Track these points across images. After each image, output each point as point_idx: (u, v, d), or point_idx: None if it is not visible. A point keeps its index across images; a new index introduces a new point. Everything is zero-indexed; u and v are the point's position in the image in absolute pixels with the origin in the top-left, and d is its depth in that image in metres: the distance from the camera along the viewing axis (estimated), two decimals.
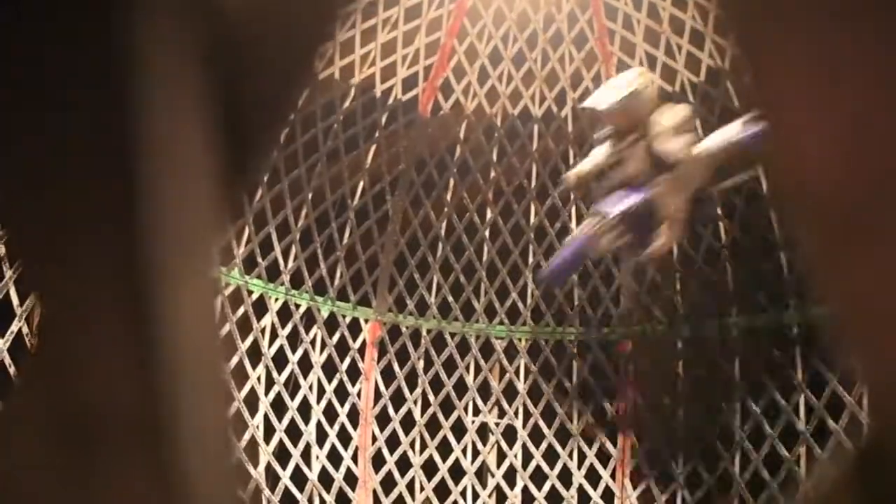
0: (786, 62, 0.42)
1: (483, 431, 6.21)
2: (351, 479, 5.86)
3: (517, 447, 6.15)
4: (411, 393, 6.14)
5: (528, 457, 6.14)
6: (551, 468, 6.06)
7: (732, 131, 4.48)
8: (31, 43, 0.41)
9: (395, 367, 6.18)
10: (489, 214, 6.59)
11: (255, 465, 5.51)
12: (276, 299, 5.86)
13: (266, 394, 5.68)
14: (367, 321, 6.17)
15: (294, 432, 5.74)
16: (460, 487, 6.02)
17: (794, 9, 0.44)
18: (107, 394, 0.41)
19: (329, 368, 5.97)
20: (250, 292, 5.77)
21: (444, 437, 6.11)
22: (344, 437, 5.92)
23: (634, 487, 5.93)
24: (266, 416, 5.65)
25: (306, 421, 5.80)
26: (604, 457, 6.05)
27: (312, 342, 5.94)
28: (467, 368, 6.28)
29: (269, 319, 5.80)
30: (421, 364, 6.23)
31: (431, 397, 6.18)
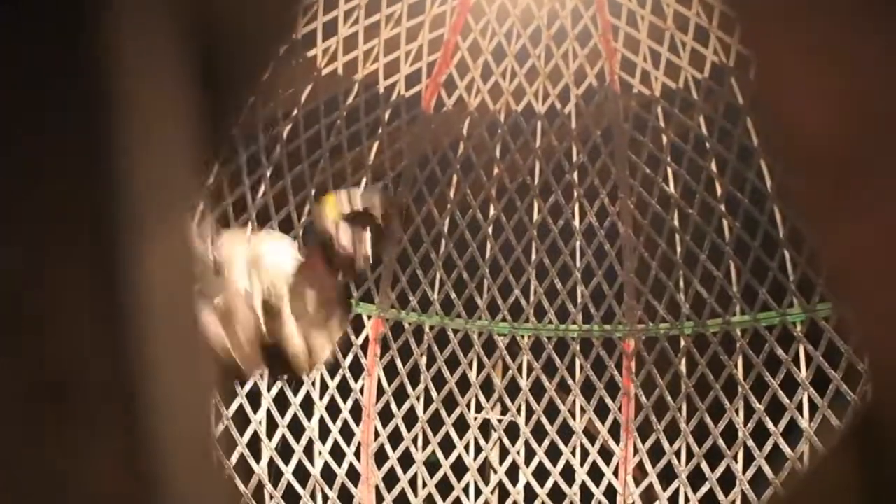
0: (780, 17, 0.42)
1: (485, 428, 6.21)
2: (353, 474, 5.87)
3: (520, 444, 6.15)
4: (414, 389, 6.14)
5: (530, 454, 6.14)
6: (554, 465, 6.06)
7: None
8: None
9: (398, 363, 6.18)
10: (492, 211, 6.59)
11: (258, 461, 5.52)
12: None
13: (268, 389, 5.69)
14: (369, 317, 6.17)
15: (297, 428, 5.75)
16: (463, 484, 6.03)
17: None
18: (77, 362, 0.41)
19: (332, 364, 5.98)
20: None
21: (447, 434, 6.11)
22: (346, 433, 5.92)
23: (637, 485, 5.93)
24: (269, 412, 5.66)
25: (309, 417, 5.81)
26: (606, 454, 6.05)
27: None
28: (470, 365, 6.28)
29: None
30: (423, 360, 6.23)
31: (434, 394, 6.18)
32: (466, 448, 6.12)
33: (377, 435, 6.03)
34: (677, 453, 5.86)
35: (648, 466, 5.92)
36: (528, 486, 6.07)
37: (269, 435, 5.63)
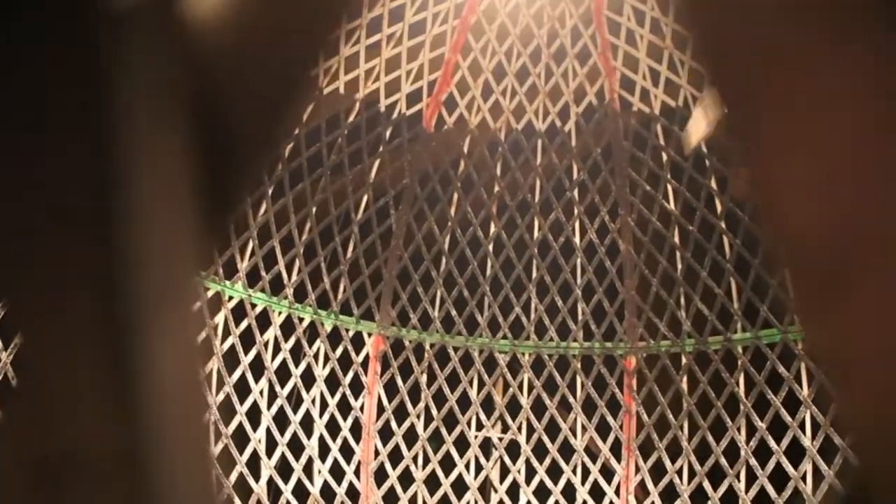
0: (774, 108, 0.43)
1: (486, 446, 6.18)
2: (353, 493, 5.83)
3: (520, 462, 6.11)
4: (414, 407, 6.12)
5: (531, 472, 6.10)
6: (555, 484, 6.02)
7: None
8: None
9: (399, 381, 6.17)
10: (493, 229, 6.60)
11: (257, 479, 5.49)
12: (280, 313, 5.87)
13: (268, 407, 5.67)
14: (370, 335, 6.17)
15: (296, 446, 5.72)
16: (463, 502, 5.99)
17: (774, 43, 0.45)
18: (84, 436, 0.41)
19: (332, 382, 5.97)
20: (254, 305, 5.78)
21: (447, 452, 6.08)
22: (346, 451, 5.90)
23: (639, 503, 5.88)
24: (268, 430, 5.64)
25: (309, 435, 5.78)
26: (608, 473, 6.01)
27: (315, 356, 5.94)
28: (470, 383, 6.27)
29: (272, 333, 5.80)
30: (424, 378, 6.21)
31: (434, 411, 6.16)
32: (467, 466, 6.09)
33: (377, 453, 6.00)
34: (679, 472, 5.82)
35: (650, 485, 5.88)
36: None
37: (269, 453, 5.60)
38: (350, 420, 5.99)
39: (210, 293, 5.65)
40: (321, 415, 5.88)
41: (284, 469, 5.65)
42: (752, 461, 5.56)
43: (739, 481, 5.59)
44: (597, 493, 5.97)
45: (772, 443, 5.51)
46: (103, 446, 0.42)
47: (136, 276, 0.42)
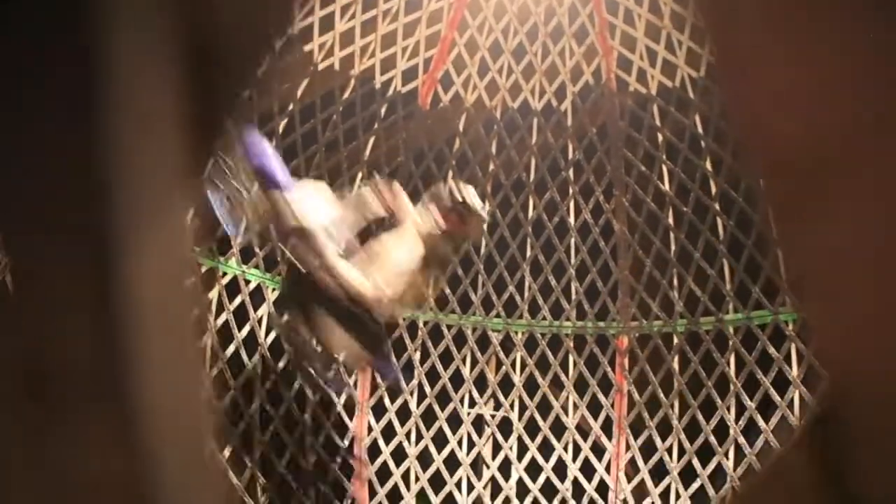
0: (755, 20, 0.43)
1: (478, 423, 6.23)
2: (346, 469, 5.88)
3: (512, 439, 6.17)
4: (407, 384, 6.15)
5: (523, 449, 6.16)
6: (546, 461, 6.09)
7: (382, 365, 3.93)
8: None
9: (392, 358, 6.19)
10: (487, 207, 6.59)
11: (251, 455, 5.53)
12: (274, 289, 5.86)
13: (262, 383, 5.69)
14: None
15: (290, 421, 5.75)
16: (455, 479, 6.05)
17: None
18: (69, 347, 0.41)
19: (325, 358, 5.98)
20: (247, 282, 5.77)
21: (440, 429, 6.13)
22: (340, 427, 5.93)
23: (629, 481, 5.96)
24: (262, 406, 5.66)
25: (302, 411, 5.81)
26: (599, 450, 6.08)
27: None
28: (463, 360, 6.30)
29: (265, 309, 5.81)
30: (417, 356, 6.24)
31: (427, 389, 6.19)
32: (459, 443, 6.14)
33: (370, 429, 6.04)
34: (669, 450, 5.89)
35: (640, 462, 5.95)
36: (520, 482, 6.09)
37: (263, 429, 5.63)
38: (343, 396, 6.02)
39: (204, 269, 5.64)
40: (315, 391, 5.90)
41: (278, 444, 5.68)
42: (741, 439, 5.63)
43: (728, 459, 5.67)
44: (587, 469, 6.04)
45: (761, 422, 5.58)
46: (90, 359, 0.42)
47: (124, 189, 0.42)
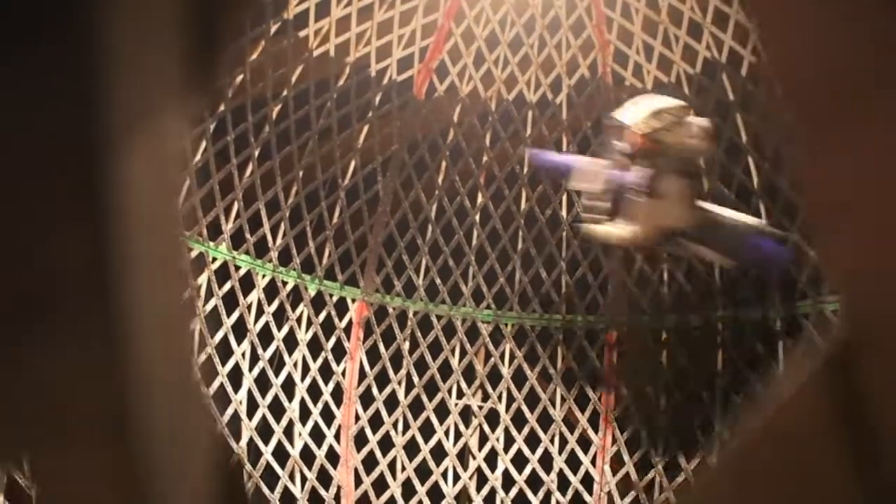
0: None
1: (466, 414, 6.25)
2: (333, 457, 5.89)
3: (499, 431, 6.19)
4: (396, 374, 6.16)
5: (509, 440, 6.18)
6: (532, 452, 6.11)
7: (751, 225, 4.28)
8: None
9: (381, 347, 6.19)
10: (480, 199, 6.59)
11: (238, 440, 5.52)
12: (264, 276, 5.85)
13: (250, 370, 5.68)
14: (353, 301, 6.17)
15: (277, 409, 5.75)
16: (441, 468, 6.07)
17: None
18: (61, 264, 0.41)
19: (314, 347, 5.98)
20: (238, 268, 5.76)
21: (427, 419, 6.14)
22: (327, 416, 5.94)
23: (614, 474, 5.99)
24: (250, 392, 5.66)
25: (290, 398, 5.81)
26: (585, 443, 6.10)
27: (298, 320, 5.95)
28: (453, 351, 6.31)
29: (255, 296, 5.79)
30: (406, 345, 6.25)
31: (416, 379, 6.20)
32: (446, 433, 6.16)
33: (358, 418, 6.05)
34: (654, 444, 5.92)
35: (626, 456, 5.98)
36: (506, 473, 6.12)
37: (250, 415, 5.63)
38: (332, 384, 6.02)
39: (194, 254, 5.61)
40: (303, 378, 5.90)
41: (265, 431, 5.68)
42: (727, 435, 5.66)
43: (713, 454, 5.70)
44: (573, 462, 6.07)
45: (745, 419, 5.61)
46: (81, 273, 0.41)
47: (113, 95, 0.41)
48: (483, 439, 6.22)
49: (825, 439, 0.49)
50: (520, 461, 6.12)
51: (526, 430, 6.16)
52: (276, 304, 5.85)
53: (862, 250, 0.43)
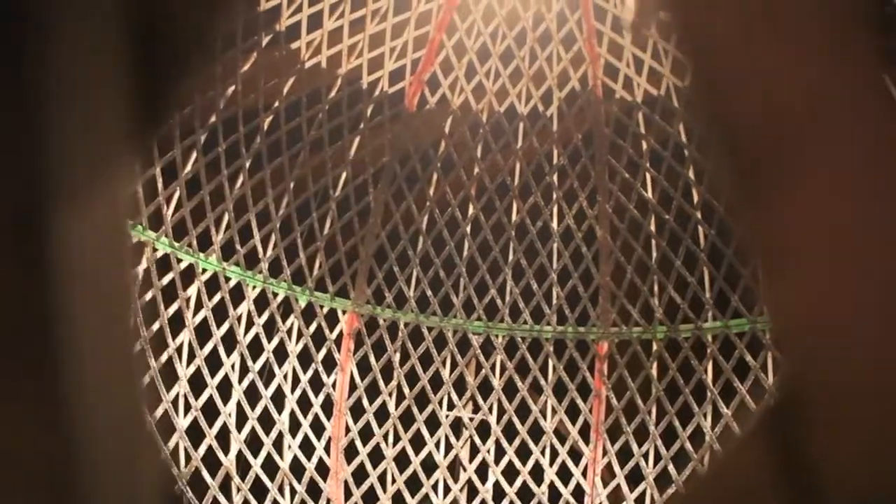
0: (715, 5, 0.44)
1: (457, 426, 6.23)
2: (323, 469, 5.85)
3: (490, 443, 6.17)
4: (386, 385, 6.14)
5: (500, 452, 6.16)
6: (523, 464, 6.09)
7: None
8: None
9: (371, 359, 6.18)
10: (471, 210, 6.61)
11: (226, 453, 5.48)
12: (254, 287, 5.83)
13: (240, 381, 5.65)
14: (344, 312, 6.16)
15: (267, 421, 5.71)
16: (432, 481, 6.04)
17: None
18: None
19: (304, 358, 5.96)
20: (227, 279, 5.74)
21: (418, 431, 6.12)
22: (317, 428, 5.90)
23: (605, 486, 5.98)
24: (239, 404, 5.62)
25: (279, 410, 5.78)
26: (576, 455, 6.09)
27: (289, 331, 5.92)
28: (443, 363, 6.30)
29: (245, 307, 5.77)
30: (397, 357, 6.23)
31: (406, 390, 6.18)
32: (437, 445, 6.13)
33: (348, 430, 6.02)
34: (645, 455, 5.92)
35: (617, 468, 5.98)
36: (497, 485, 6.09)
37: (239, 427, 5.59)
38: (322, 396, 5.99)
39: (183, 265, 5.59)
40: (293, 390, 5.87)
41: (254, 443, 5.64)
42: (717, 446, 5.66)
43: (703, 465, 5.70)
44: (564, 474, 6.05)
45: (736, 429, 5.61)
46: (14, 321, 0.41)
47: (55, 139, 0.41)
48: (474, 451, 6.19)
49: (768, 492, 0.49)
50: (511, 473, 6.10)
51: (517, 442, 6.15)
52: (266, 315, 5.83)
53: (798, 301, 0.44)
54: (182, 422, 5.16)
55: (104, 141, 0.45)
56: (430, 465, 6.09)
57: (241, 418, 5.64)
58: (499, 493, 6.08)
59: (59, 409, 0.42)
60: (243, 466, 5.57)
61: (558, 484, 6.02)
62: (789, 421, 0.48)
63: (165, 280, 5.48)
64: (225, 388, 5.59)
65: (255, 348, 5.77)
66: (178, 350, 5.43)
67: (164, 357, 5.41)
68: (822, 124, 0.43)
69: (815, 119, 0.43)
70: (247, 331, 5.75)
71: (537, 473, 6.07)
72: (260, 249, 5.90)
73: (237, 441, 5.55)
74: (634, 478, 5.93)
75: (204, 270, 5.65)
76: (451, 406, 6.25)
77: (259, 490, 5.58)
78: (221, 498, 5.32)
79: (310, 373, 5.97)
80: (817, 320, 0.44)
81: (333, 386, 6.06)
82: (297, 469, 5.75)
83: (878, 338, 0.42)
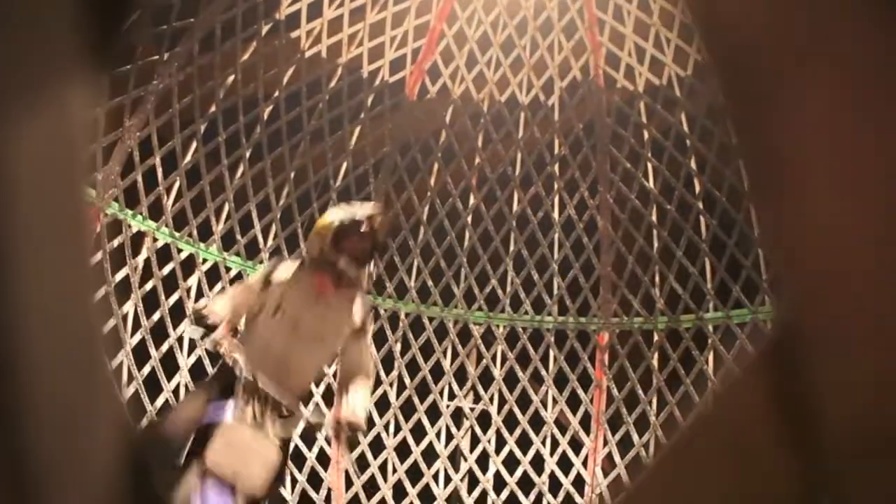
0: None
1: (457, 416, 6.24)
2: (323, 458, 5.87)
3: (491, 432, 6.18)
4: (387, 375, 6.15)
5: (501, 442, 6.17)
6: (524, 454, 6.10)
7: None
8: None
9: (372, 349, 6.17)
10: (472, 200, 6.59)
11: None
12: None
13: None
14: None
15: None
16: (433, 470, 6.05)
17: None
18: None
19: None
20: (228, 269, 5.73)
21: (419, 421, 6.13)
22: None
23: (605, 476, 5.99)
24: None
25: None
26: (576, 445, 6.10)
27: None
28: (444, 353, 6.30)
29: None
30: (398, 347, 6.23)
31: (407, 380, 6.19)
32: (438, 435, 6.14)
33: None
34: (646, 446, 5.92)
35: (617, 458, 5.98)
36: (497, 475, 6.11)
37: None
38: (322, 387, 5.99)
39: (184, 255, 5.59)
40: None
41: None
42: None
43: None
44: (565, 464, 6.06)
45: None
46: None
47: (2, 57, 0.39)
48: (475, 441, 6.20)
49: (762, 426, 0.48)
50: (511, 463, 6.11)
51: (518, 432, 6.16)
52: None
53: (796, 224, 0.42)
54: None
55: (53, 41, 0.42)
56: (430, 455, 6.10)
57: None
58: (499, 482, 6.10)
59: None
60: None
61: (559, 473, 6.03)
62: (788, 354, 0.47)
63: (166, 270, 5.48)
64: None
65: None
66: (180, 340, 5.44)
67: (164, 347, 5.42)
68: (823, 38, 0.41)
69: (818, 35, 0.41)
70: None
71: (538, 463, 6.08)
72: (261, 239, 5.90)
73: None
74: (635, 467, 5.93)
75: (204, 260, 5.65)
76: (451, 396, 6.25)
77: None
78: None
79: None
80: (818, 242, 0.42)
81: (334, 376, 6.06)
82: (297, 458, 5.76)
83: (881, 260, 0.40)
